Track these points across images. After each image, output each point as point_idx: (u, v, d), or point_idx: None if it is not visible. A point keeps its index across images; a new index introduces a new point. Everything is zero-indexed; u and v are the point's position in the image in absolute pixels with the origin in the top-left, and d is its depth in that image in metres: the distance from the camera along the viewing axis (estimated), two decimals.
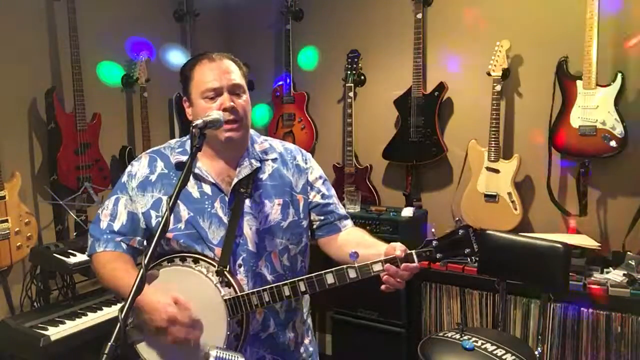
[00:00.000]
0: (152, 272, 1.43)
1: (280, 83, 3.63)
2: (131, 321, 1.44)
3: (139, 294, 1.10)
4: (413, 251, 1.32)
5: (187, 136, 1.55)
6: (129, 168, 1.55)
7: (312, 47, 3.61)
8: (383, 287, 1.33)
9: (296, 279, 1.37)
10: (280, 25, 3.62)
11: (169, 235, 1.44)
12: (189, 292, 1.39)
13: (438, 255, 1.32)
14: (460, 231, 1.31)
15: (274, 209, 1.50)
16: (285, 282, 1.37)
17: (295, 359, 1.59)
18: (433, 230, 1.46)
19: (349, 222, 1.63)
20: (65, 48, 2.75)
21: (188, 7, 3.48)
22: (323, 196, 1.59)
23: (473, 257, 1.32)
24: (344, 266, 1.33)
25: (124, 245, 1.49)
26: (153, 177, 1.50)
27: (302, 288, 1.36)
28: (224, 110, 1.42)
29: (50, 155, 2.76)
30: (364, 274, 1.32)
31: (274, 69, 3.79)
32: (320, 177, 1.62)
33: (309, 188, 1.58)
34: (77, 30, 2.70)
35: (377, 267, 1.31)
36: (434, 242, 1.32)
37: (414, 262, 1.31)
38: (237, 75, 1.48)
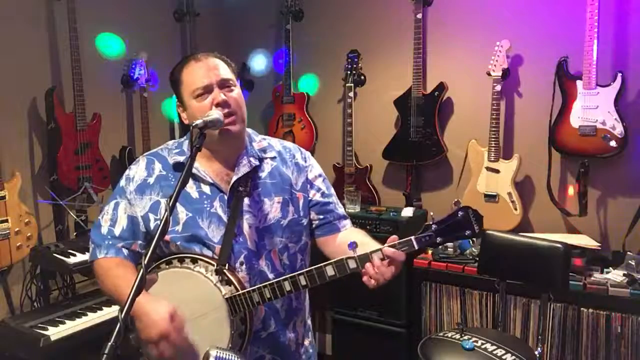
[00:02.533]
0: (151, 276, 1.42)
1: (280, 83, 3.63)
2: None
3: (139, 294, 1.10)
4: (412, 237, 1.30)
5: (184, 137, 1.55)
6: (127, 172, 1.54)
7: (312, 75, 3.62)
8: (364, 278, 1.31)
9: (296, 273, 1.36)
10: (280, 25, 3.62)
11: (167, 237, 1.43)
12: (190, 294, 1.39)
13: (438, 240, 1.29)
14: (460, 213, 1.28)
15: (273, 207, 1.49)
16: (286, 277, 1.37)
17: None
18: (432, 214, 1.44)
19: (348, 222, 1.62)
20: (65, 48, 2.75)
21: (188, 7, 3.48)
22: (323, 194, 1.59)
23: (474, 241, 1.29)
24: (344, 257, 1.32)
25: (125, 251, 1.48)
26: (151, 180, 1.50)
27: (303, 282, 1.35)
28: (217, 105, 1.41)
29: (50, 155, 2.76)
30: (364, 264, 1.31)
31: (274, 69, 3.79)
32: (320, 175, 1.62)
33: (308, 186, 1.58)
34: (77, 30, 2.70)
35: (377, 256, 1.30)
36: (434, 227, 1.29)
37: (413, 247, 1.29)
38: (225, 70, 1.47)
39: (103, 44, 3.06)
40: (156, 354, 1.29)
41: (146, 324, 1.30)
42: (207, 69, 1.44)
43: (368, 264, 1.30)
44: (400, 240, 1.30)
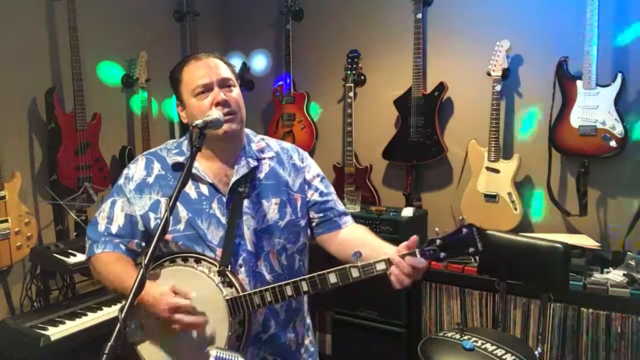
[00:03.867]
0: (154, 272, 1.43)
1: (280, 83, 3.63)
2: (132, 322, 1.43)
3: (139, 294, 1.10)
4: (416, 250, 1.29)
5: (184, 137, 1.56)
6: (125, 170, 1.54)
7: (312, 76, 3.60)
8: (392, 277, 1.30)
9: (298, 278, 1.36)
10: (280, 25, 3.62)
11: (168, 237, 1.43)
12: (191, 292, 1.39)
13: (442, 255, 1.29)
14: (464, 230, 1.29)
15: (271, 208, 1.49)
16: (288, 281, 1.36)
17: None
18: (437, 229, 1.44)
19: (349, 219, 1.61)
20: (65, 48, 2.75)
21: (188, 7, 3.48)
22: (321, 194, 1.59)
23: (477, 256, 1.29)
24: (347, 265, 1.32)
25: (122, 247, 1.49)
26: (150, 179, 1.50)
27: (305, 288, 1.35)
28: (217, 104, 1.42)
29: (50, 155, 2.76)
30: (367, 273, 1.30)
31: (274, 69, 3.79)
32: (318, 175, 1.61)
33: (306, 187, 1.58)
34: (77, 30, 2.70)
35: (380, 266, 1.30)
36: (438, 241, 1.30)
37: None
38: (225, 70, 1.48)
39: (104, 72, 3.09)
40: (178, 328, 1.34)
41: (153, 306, 1.33)
42: (208, 68, 1.45)
43: (394, 269, 1.29)
44: (404, 253, 1.30)
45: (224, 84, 1.45)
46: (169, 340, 1.42)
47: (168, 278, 1.42)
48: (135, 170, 1.53)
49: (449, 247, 1.30)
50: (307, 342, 1.63)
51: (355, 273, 1.31)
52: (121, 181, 1.53)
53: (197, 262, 1.42)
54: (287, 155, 1.59)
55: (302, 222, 1.56)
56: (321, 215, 1.58)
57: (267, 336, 1.49)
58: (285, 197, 1.53)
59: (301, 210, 1.55)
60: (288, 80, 3.57)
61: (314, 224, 1.59)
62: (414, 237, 1.31)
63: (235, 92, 1.47)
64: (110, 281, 1.46)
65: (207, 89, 1.44)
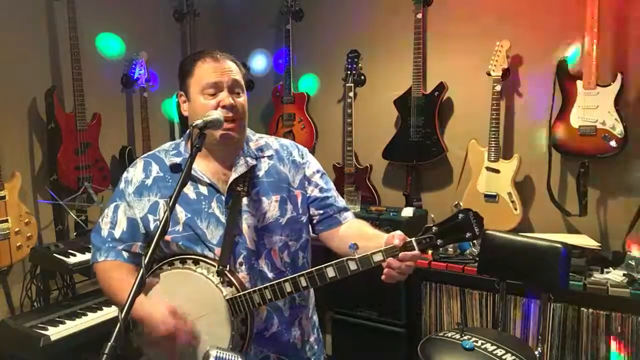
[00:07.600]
0: (153, 276, 1.43)
1: (280, 83, 3.63)
2: (137, 327, 1.44)
3: (139, 294, 1.10)
4: (413, 239, 1.29)
5: (181, 138, 1.56)
6: (124, 174, 1.55)
7: (312, 75, 3.62)
8: (383, 277, 1.30)
9: (297, 274, 1.36)
10: (280, 25, 3.62)
11: (168, 237, 1.43)
12: (191, 295, 1.39)
13: (439, 242, 1.29)
14: (460, 215, 1.28)
15: (271, 205, 1.49)
16: (287, 278, 1.36)
17: (301, 358, 1.58)
18: (432, 216, 1.43)
19: (349, 215, 1.62)
20: (65, 48, 2.75)
21: (188, 7, 3.48)
22: (321, 190, 1.59)
23: (475, 241, 1.27)
24: (344, 258, 1.31)
25: (125, 254, 1.49)
26: (149, 181, 1.50)
27: (304, 283, 1.35)
28: (223, 107, 1.42)
29: (50, 155, 2.76)
30: (364, 265, 1.30)
31: (274, 69, 3.79)
32: (318, 171, 1.61)
33: (306, 183, 1.58)
34: (77, 30, 2.70)
35: (377, 257, 1.29)
36: (434, 229, 1.29)
37: (414, 249, 1.28)
38: (237, 74, 1.48)
39: (103, 44, 3.07)
40: (169, 350, 1.33)
41: (152, 324, 1.33)
42: (222, 69, 1.45)
43: (387, 269, 1.29)
44: (399, 245, 1.29)
45: (233, 88, 1.46)
46: (172, 341, 1.41)
47: (167, 283, 1.42)
48: (134, 173, 1.53)
49: (446, 234, 1.29)
50: (312, 339, 1.62)
51: (352, 265, 1.30)
52: (121, 185, 1.53)
53: (196, 264, 1.42)
54: (287, 152, 1.59)
55: (304, 219, 1.56)
56: (321, 212, 1.58)
57: (270, 334, 1.49)
58: (286, 193, 1.53)
59: (302, 207, 1.55)
60: (288, 80, 3.57)
61: (314, 221, 1.59)
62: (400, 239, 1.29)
63: (243, 98, 1.48)
64: (107, 290, 1.49)
65: (217, 89, 1.44)
